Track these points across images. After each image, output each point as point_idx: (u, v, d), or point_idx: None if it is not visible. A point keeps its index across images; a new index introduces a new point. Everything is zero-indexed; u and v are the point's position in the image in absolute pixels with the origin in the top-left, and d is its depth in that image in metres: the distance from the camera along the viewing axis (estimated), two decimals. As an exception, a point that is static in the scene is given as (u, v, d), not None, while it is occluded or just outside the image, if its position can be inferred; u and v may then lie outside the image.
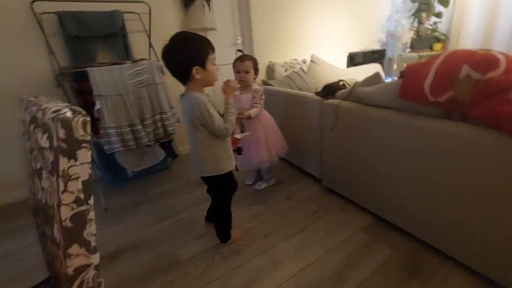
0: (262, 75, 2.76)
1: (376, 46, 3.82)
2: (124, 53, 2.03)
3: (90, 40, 1.91)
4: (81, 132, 0.35)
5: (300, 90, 2.24)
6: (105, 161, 1.97)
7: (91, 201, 0.37)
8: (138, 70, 1.69)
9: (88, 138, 0.35)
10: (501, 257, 0.98)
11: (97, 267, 0.39)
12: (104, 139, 1.68)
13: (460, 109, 1.00)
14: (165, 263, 1.33)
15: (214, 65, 1.09)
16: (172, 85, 2.32)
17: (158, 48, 2.05)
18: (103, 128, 1.65)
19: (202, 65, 1.04)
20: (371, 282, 1.13)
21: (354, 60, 3.36)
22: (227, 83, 1.21)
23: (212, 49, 1.06)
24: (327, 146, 1.67)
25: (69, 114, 0.35)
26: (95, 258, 0.39)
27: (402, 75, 1.18)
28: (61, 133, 0.34)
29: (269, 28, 2.82)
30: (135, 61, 1.79)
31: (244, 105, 1.61)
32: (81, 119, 0.35)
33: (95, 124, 1.75)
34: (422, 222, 1.22)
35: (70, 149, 0.34)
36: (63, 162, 0.34)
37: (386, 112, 1.25)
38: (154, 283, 1.22)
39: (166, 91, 1.83)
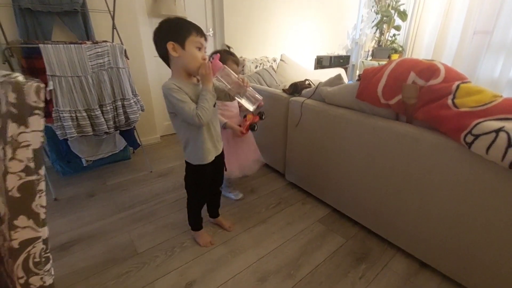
0: (232, 69, 2.76)
1: (342, 52, 4.04)
2: (84, 33, 1.89)
3: (45, 15, 1.75)
4: (34, 98, 0.33)
5: (269, 87, 2.28)
6: (56, 148, 1.82)
7: (42, 171, 0.35)
8: (100, 52, 1.59)
9: (42, 105, 0.34)
10: (434, 243, 1.12)
11: (45, 241, 0.38)
12: (57, 124, 1.55)
13: (407, 111, 1.12)
14: (122, 254, 1.28)
15: (199, 50, 1.00)
16: (137, 72, 2.24)
17: (123, 31, 1.95)
18: (55, 111, 1.53)
19: (181, 42, 0.96)
20: (323, 268, 1.21)
21: (321, 63, 3.51)
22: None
23: (197, 31, 0.98)
24: (291, 142, 1.73)
25: (21, 78, 0.33)
26: (44, 232, 0.37)
27: (359, 78, 1.28)
28: (12, 97, 0.32)
29: (242, 23, 2.84)
30: (96, 42, 1.68)
31: (236, 105, 1.54)
32: (35, 84, 0.33)
33: (47, 107, 1.61)
34: (371, 213, 1.34)
35: (21, 114, 0.32)
36: (12, 128, 0.32)
37: (345, 112, 1.34)
38: (108, 275, 1.18)
39: (129, 77, 1.75)
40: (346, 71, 3.50)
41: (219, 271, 1.19)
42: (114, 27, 1.86)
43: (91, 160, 1.96)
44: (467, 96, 0.96)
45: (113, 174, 2.02)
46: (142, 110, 1.88)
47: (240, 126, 1.49)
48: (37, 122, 0.33)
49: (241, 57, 2.78)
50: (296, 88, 1.69)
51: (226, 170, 1.37)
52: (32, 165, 0.34)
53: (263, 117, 1.51)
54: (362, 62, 3.85)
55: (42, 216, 0.36)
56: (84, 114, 1.60)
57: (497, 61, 3.01)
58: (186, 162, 1.20)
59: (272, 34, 3.14)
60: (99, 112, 1.64)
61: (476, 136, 0.89)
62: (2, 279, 0.48)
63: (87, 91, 1.59)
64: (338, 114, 1.36)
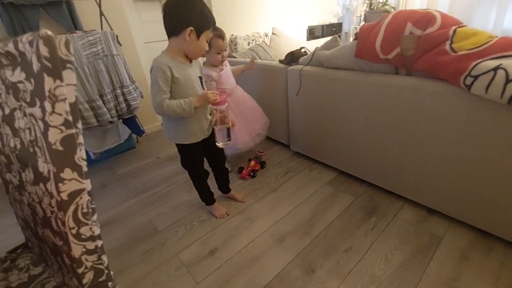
0: (224, 48, 2.72)
1: (333, 20, 3.97)
2: (71, 23, 1.85)
3: (29, 9, 1.71)
4: (65, 51, 0.35)
5: (264, 62, 2.27)
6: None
7: (79, 125, 0.38)
8: (92, 40, 1.58)
9: (72, 59, 0.35)
10: (439, 188, 1.17)
11: (90, 193, 0.41)
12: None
13: (406, 63, 1.13)
14: (143, 234, 1.34)
15: (207, 43, 1.05)
16: (129, 59, 2.21)
17: (109, 18, 1.91)
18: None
19: (198, 33, 0.99)
20: (336, 224, 1.27)
21: (313, 33, 3.46)
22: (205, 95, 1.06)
23: (214, 27, 1.03)
24: (293, 112, 1.75)
25: (50, 33, 0.34)
26: (87, 184, 0.40)
27: (356, 36, 1.28)
28: (44, 51, 0.33)
29: (229, -1, 2.76)
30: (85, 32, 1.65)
31: (231, 79, 1.64)
32: (64, 38, 0.35)
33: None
34: (377, 169, 1.39)
35: (55, 68, 0.34)
36: (49, 82, 0.34)
37: (344, 73, 1.36)
38: (134, 253, 1.23)
39: (125, 64, 1.74)
40: (339, 39, 3.45)
41: (238, 237, 1.25)
42: (101, 13, 1.82)
43: (98, 153, 1.99)
44: (464, 39, 0.97)
45: (122, 163, 2.05)
46: (142, 97, 1.89)
47: (245, 168, 1.74)
48: (70, 75, 0.35)
49: (232, 35, 2.74)
50: (293, 57, 1.69)
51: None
52: (70, 118, 0.36)
53: (264, 166, 1.80)
54: (355, 28, 3.78)
55: (84, 168, 0.39)
56: (87, 105, 1.60)
57: (490, 12, 2.97)
58: (176, 144, 1.20)
59: (261, 8, 3.07)
60: (101, 102, 1.64)
61: (475, 77, 0.91)
62: (49, 240, 0.51)
63: (85, 82, 1.58)
64: (338, 76, 1.37)
